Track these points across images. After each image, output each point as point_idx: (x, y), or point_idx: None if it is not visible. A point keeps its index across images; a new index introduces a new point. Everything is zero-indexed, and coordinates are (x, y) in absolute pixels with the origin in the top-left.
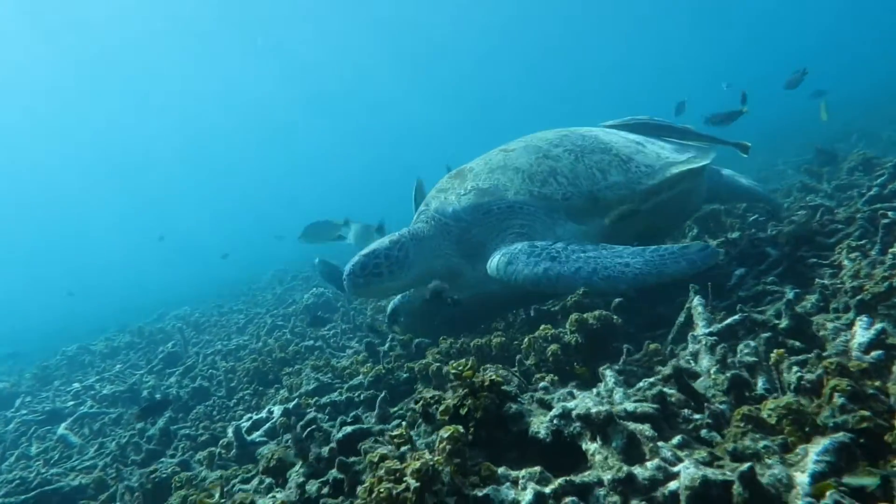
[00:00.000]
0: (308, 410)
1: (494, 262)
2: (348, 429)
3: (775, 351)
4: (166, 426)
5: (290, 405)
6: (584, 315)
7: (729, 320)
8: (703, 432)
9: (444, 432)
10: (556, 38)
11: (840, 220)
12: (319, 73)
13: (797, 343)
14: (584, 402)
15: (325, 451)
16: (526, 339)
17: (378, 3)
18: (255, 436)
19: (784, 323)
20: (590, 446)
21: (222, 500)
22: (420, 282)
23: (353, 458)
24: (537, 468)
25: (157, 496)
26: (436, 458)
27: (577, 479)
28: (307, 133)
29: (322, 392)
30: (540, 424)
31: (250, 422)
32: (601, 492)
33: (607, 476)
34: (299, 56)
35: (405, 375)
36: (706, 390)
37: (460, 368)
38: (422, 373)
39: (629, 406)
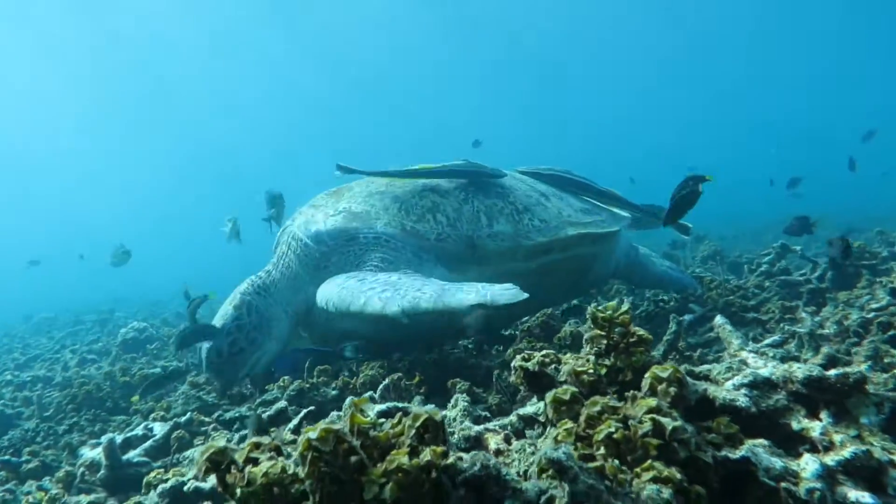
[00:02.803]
0: (206, 427)
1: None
2: (382, 406)
3: None
4: None
5: (182, 419)
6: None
7: (769, 340)
8: None
9: (662, 371)
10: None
11: (748, 287)
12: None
13: None
14: (800, 366)
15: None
16: (511, 351)
17: None
18: (133, 454)
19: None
20: (809, 424)
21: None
22: (299, 325)
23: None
24: (762, 440)
25: None
26: (659, 402)
27: (874, 450)
28: None
29: (208, 411)
30: (728, 392)
31: (119, 440)
32: None
33: None
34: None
35: (334, 392)
36: None
37: (610, 312)
38: (364, 386)
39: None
